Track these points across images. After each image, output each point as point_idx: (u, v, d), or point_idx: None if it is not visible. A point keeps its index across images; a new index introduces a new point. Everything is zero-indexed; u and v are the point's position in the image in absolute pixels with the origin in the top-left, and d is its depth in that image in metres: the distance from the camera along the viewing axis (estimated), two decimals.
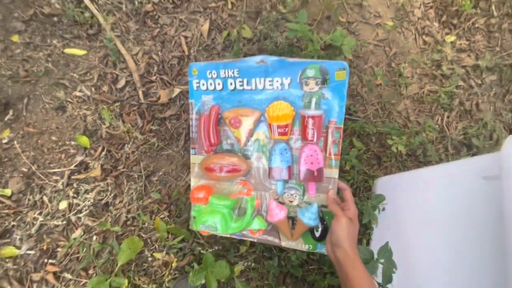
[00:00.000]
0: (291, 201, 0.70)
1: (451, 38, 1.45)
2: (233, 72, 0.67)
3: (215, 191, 0.73)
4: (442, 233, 0.81)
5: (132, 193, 0.99)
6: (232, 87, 0.68)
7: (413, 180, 0.99)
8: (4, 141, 0.99)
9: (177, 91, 1.11)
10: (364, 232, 1.07)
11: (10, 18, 1.08)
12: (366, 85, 1.26)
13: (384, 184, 1.10)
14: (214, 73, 0.68)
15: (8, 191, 0.93)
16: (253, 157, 0.70)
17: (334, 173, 0.66)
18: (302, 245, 0.70)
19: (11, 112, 1.02)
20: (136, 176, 1.01)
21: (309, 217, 0.66)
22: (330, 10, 1.32)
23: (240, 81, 0.67)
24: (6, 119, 1.01)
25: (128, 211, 0.98)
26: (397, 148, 1.13)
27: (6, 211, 0.92)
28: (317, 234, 0.69)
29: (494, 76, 1.44)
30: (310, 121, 0.62)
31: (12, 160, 0.98)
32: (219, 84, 0.68)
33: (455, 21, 1.50)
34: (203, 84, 0.70)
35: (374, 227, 1.03)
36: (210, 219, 0.68)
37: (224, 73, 0.67)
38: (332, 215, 0.62)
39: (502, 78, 1.43)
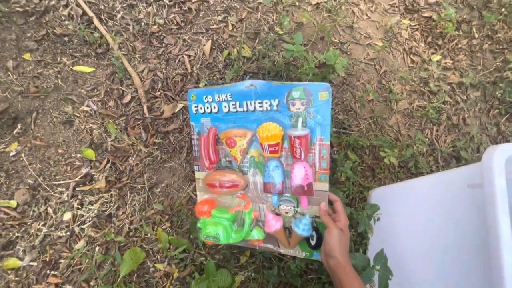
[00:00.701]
0: (286, 212, 0.74)
1: (436, 57, 1.56)
2: (226, 96, 0.73)
3: (217, 204, 0.77)
4: (433, 240, 0.84)
5: (135, 204, 1.02)
6: (226, 110, 0.74)
7: (406, 190, 1.04)
8: (12, 153, 1.02)
9: (180, 106, 1.16)
10: (361, 241, 1.10)
11: (23, 38, 1.15)
12: (358, 100, 1.33)
13: (378, 195, 1.15)
14: (209, 98, 0.75)
15: (13, 203, 0.95)
16: (250, 173, 0.75)
17: (325, 186, 0.70)
18: (299, 253, 0.74)
19: (19, 126, 1.05)
20: (139, 187, 1.04)
21: (302, 228, 0.71)
22: (324, 32, 1.41)
23: (233, 104, 0.73)
24: (14, 132, 1.04)
25: (131, 222, 1.00)
26: (389, 160, 1.19)
27: (11, 222, 0.93)
28: (313, 242, 0.73)
29: (478, 93, 1.53)
30: (297, 141, 0.67)
31: (19, 172, 1.00)
32: (214, 107, 0.75)
33: (439, 42, 1.62)
34: (201, 108, 0.76)
35: (370, 237, 1.06)
36: (213, 230, 0.73)
37: (219, 97, 0.73)
38: (325, 225, 0.67)
39: (486, 94, 1.52)
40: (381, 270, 0.77)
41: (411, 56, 1.55)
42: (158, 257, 0.98)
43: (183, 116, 1.16)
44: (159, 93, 1.18)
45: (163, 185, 1.06)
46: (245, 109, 0.72)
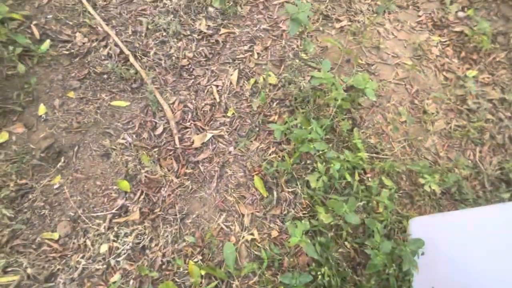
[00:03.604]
0: None
1: (472, 73, 1.44)
2: None
3: None
4: (493, 277, 0.73)
5: (168, 236, 1.01)
6: None
7: (454, 221, 0.93)
8: (55, 186, 1.06)
9: (209, 135, 1.17)
10: (403, 278, 0.99)
11: (68, 78, 1.23)
12: (391, 123, 1.25)
13: (420, 225, 1.04)
14: None
15: (55, 235, 0.98)
16: None
17: None
18: None
19: (62, 159, 1.11)
20: (171, 219, 1.03)
21: None
22: (350, 54, 1.38)
23: None
24: (58, 166, 1.09)
25: (163, 255, 0.98)
26: (430, 187, 1.08)
27: (53, 254, 0.96)
28: None
29: None
30: None
31: (61, 204, 1.04)
32: None
33: (474, 57, 1.50)
34: None
35: (415, 274, 0.96)
36: None
37: None
38: None
39: None
40: None
41: (444, 73, 1.45)
42: None
43: (212, 145, 1.16)
44: (189, 123, 1.19)
45: (194, 216, 1.05)
46: None
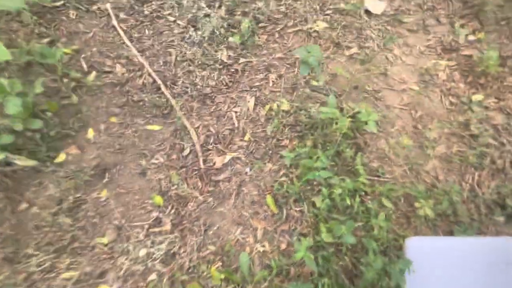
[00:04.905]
0: None
1: (478, 97, 1.49)
2: None
3: None
4: None
5: (193, 244, 1.20)
6: None
7: (447, 246, 1.03)
8: (103, 199, 1.28)
9: (228, 157, 1.33)
10: None
11: (111, 105, 1.43)
12: (392, 148, 1.35)
13: (414, 245, 1.15)
14: None
15: (105, 240, 1.20)
16: None
17: None
18: None
19: (107, 175, 1.32)
20: (196, 230, 1.22)
21: None
22: (358, 81, 1.47)
23: None
24: (104, 181, 1.31)
25: (190, 260, 1.17)
26: (424, 212, 1.19)
27: (104, 256, 1.18)
28: None
29: None
30: None
31: (108, 214, 1.26)
32: None
33: (482, 81, 1.55)
34: None
35: None
36: None
37: None
38: None
39: None
40: None
41: (450, 97, 1.51)
42: None
43: (231, 166, 1.32)
44: (211, 146, 1.36)
45: (215, 228, 1.23)
46: None
